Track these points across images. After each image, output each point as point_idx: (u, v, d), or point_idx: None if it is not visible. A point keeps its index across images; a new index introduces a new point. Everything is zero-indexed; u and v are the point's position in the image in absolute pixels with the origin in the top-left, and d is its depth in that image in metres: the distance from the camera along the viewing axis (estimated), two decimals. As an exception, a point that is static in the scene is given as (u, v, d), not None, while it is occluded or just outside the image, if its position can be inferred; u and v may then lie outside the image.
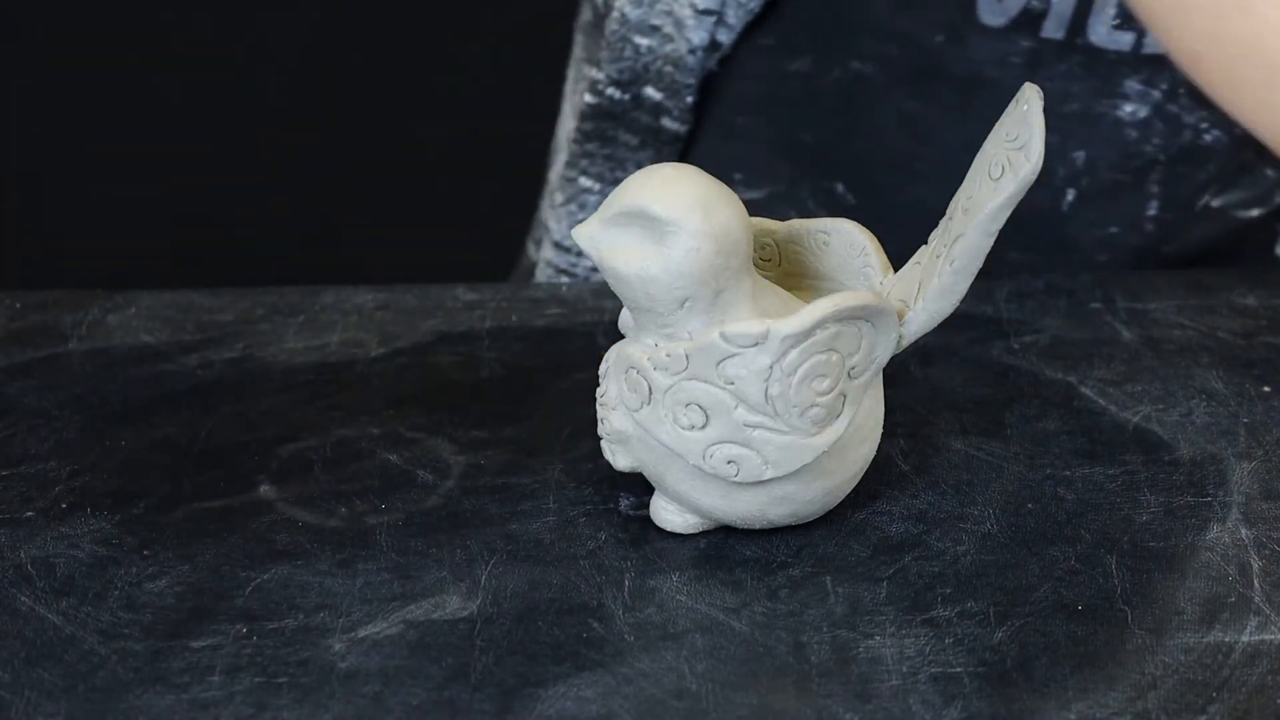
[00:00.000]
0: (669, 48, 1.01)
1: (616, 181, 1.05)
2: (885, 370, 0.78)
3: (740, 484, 0.75)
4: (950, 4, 0.93)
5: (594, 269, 1.07)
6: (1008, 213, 0.74)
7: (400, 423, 0.87)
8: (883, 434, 0.79)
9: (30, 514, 0.80)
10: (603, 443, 0.78)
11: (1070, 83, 0.95)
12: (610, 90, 1.03)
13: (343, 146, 1.94)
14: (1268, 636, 0.73)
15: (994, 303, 0.95)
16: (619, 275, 0.74)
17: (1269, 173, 1.02)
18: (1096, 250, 1.01)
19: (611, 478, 0.81)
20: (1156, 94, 0.96)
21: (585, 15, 1.06)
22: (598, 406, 0.78)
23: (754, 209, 1.03)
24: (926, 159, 0.98)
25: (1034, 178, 0.73)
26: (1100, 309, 0.95)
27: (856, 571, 0.77)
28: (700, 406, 0.74)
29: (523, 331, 0.93)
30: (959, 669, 0.71)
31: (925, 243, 0.79)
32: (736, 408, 0.74)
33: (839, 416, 0.75)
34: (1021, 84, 0.94)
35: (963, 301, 0.76)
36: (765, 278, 0.78)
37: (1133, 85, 0.95)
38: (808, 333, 0.73)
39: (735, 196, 0.75)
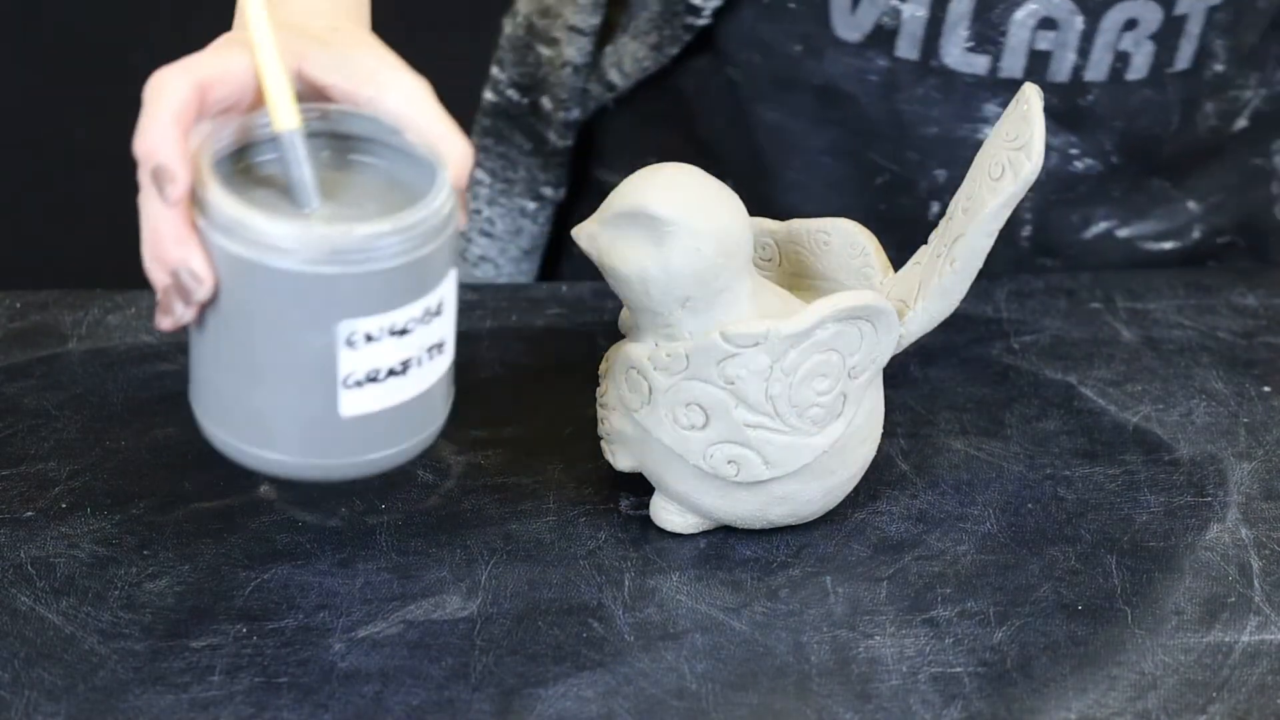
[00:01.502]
0: (562, 58, 1.03)
1: (508, 181, 1.07)
2: (885, 370, 0.78)
3: (740, 484, 0.75)
4: (807, 16, 0.95)
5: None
6: (1008, 212, 0.74)
7: (400, 423, 0.87)
8: (883, 434, 0.79)
9: (30, 514, 0.80)
10: (603, 443, 0.78)
11: (929, 106, 0.96)
12: (509, 91, 1.05)
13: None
14: (1268, 636, 0.73)
15: (994, 303, 0.95)
16: (618, 275, 0.74)
17: (1190, 205, 1.01)
18: None
19: (611, 478, 0.81)
20: None
21: (505, 22, 1.07)
22: (598, 406, 0.78)
23: None
24: (794, 167, 0.99)
25: (1034, 177, 0.73)
26: (1100, 309, 0.95)
27: (856, 571, 0.77)
28: (700, 406, 0.74)
29: (523, 331, 0.93)
30: (959, 669, 0.71)
31: (925, 242, 0.79)
32: (736, 408, 0.74)
33: (839, 416, 0.75)
34: (880, 102, 0.95)
35: (963, 301, 0.76)
36: (765, 278, 0.78)
37: (991, 109, 0.96)
38: (808, 333, 0.73)
39: (735, 197, 0.75)
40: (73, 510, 0.80)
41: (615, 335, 0.80)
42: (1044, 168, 0.97)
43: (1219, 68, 0.96)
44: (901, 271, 0.78)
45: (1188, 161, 1.00)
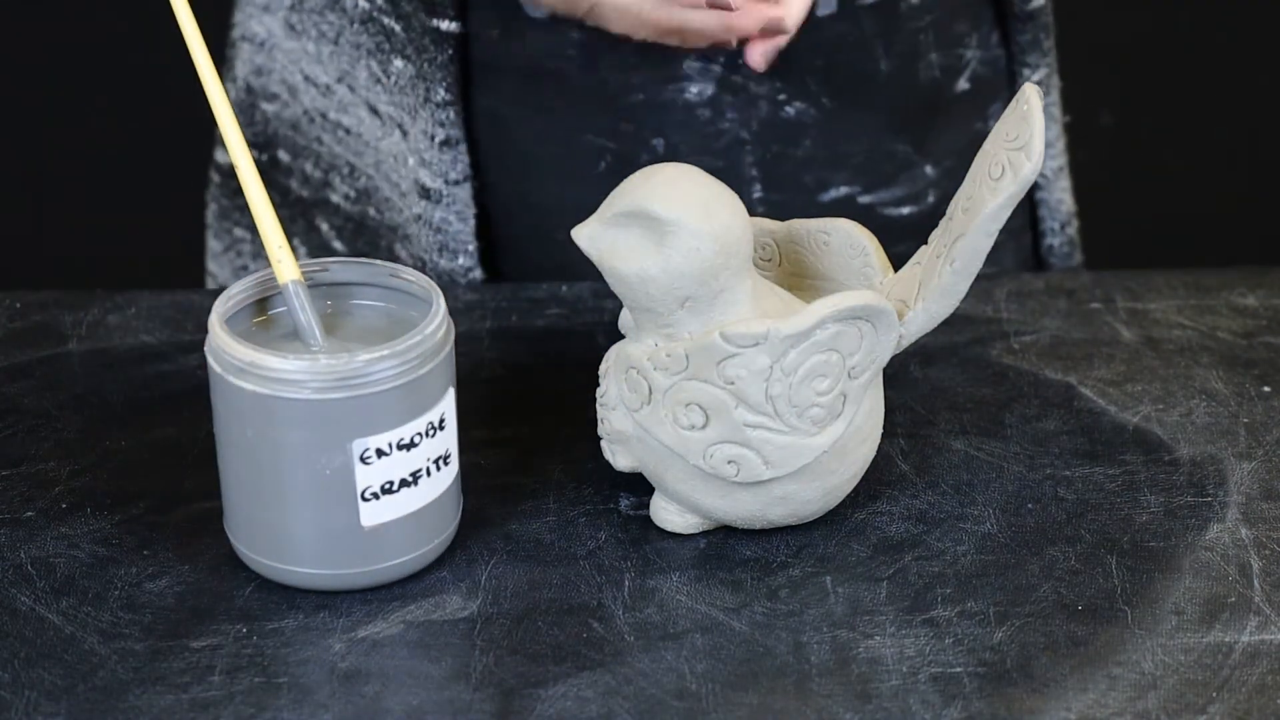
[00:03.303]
0: (287, 113, 1.04)
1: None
2: (885, 370, 0.78)
3: (740, 484, 0.75)
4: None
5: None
6: (1008, 212, 0.74)
7: (400, 423, 0.87)
8: (883, 434, 0.79)
9: (30, 514, 0.80)
10: (603, 443, 0.78)
11: (629, 73, 0.96)
12: (253, 153, 1.06)
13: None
14: (1268, 636, 0.73)
15: (994, 303, 0.95)
16: (619, 275, 0.74)
17: (928, 169, 1.02)
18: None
19: (611, 478, 0.81)
20: (717, 68, 0.96)
21: (227, 87, 1.08)
22: (598, 406, 0.78)
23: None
24: (512, 155, 0.99)
25: (1034, 177, 0.73)
26: (1100, 309, 0.95)
27: (856, 571, 0.77)
28: (700, 406, 0.74)
29: (523, 331, 0.93)
30: (959, 669, 0.71)
31: (925, 243, 0.79)
32: (736, 408, 0.74)
33: (839, 416, 0.75)
34: (584, 76, 0.96)
35: (963, 301, 0.76)
36: (765, 278, 0.78)
37: (691, 65, 0.96)
38: (808, 333, 0.73)
39: (735, 197, 0.75)
40: (73, 510, 0.80)
41: (615, 335, 0.79)
42: (756, 119, 0.97)
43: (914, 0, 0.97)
44: (901, 271, 0.78)
45: (920, 119, 1.01)
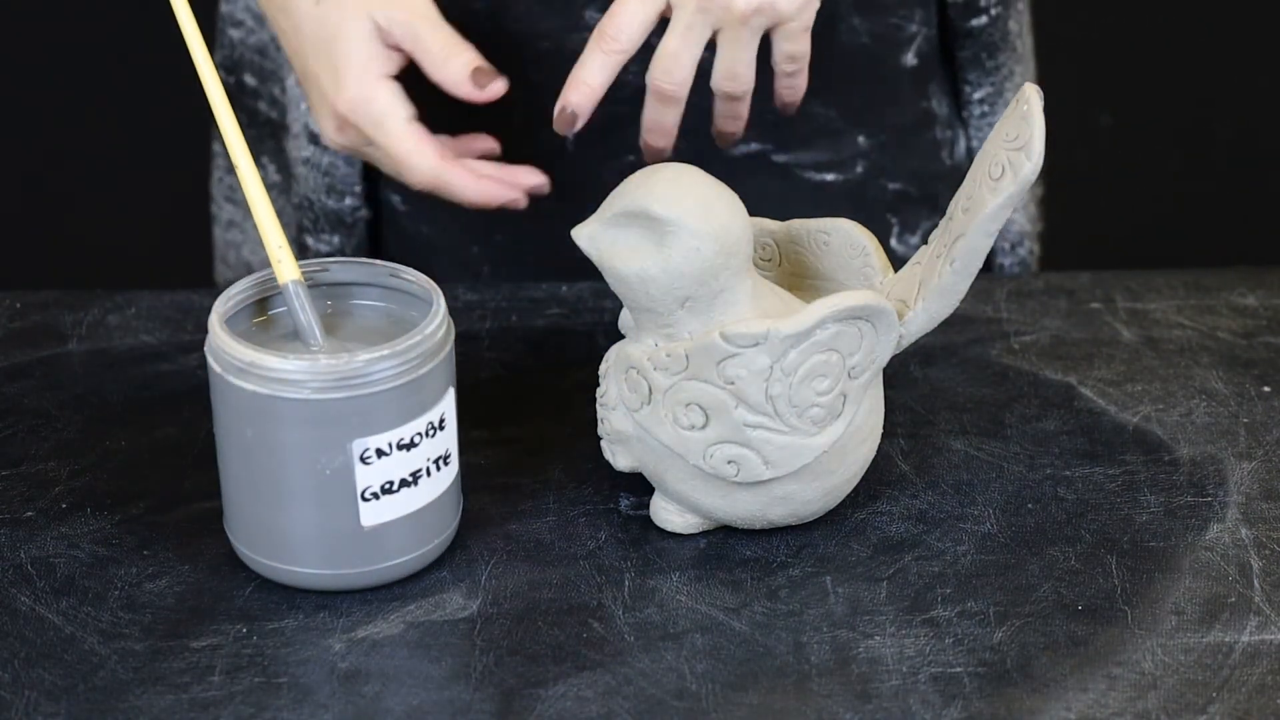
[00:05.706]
0: (253, 39, 1.04)
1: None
2: (885, 370, 0.78)
3: (740, 484, 0.75)
4: None
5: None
6: (1008, 213, 0.74)
7: (400, 423, 0.87)
8: (883, 434, 0.79)
9: (30, 514, 0.80)
10: (603, 443, 0.78)
11: (536, 21, 0.95)
12: (220, 75, 1.05)
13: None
14: (1268, 636, 0.73)
15: (994, 303, 0.95)
16: (619, 275, 0.74)
17: (861, 139, 1.00)
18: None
19: (611, 478, 0.81)
20: None
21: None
22: (598, 406, 0.78)
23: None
24: (421, 116, 0.96)
25: (1034, 177, 0.73)
26: (1100, 309, 0.95)
27: (856, 571, 0.77)
28: (700, 406, 0.74)
29: (523, 331, 0.93)
30: (959, 669, 0.71)
31: (925, 243, 0.79)
32: (736, 408, 0.74)
33: (839, 416, 0.75)
34: (488, 25, 0.95)
35: (963, 301, 0.76)
36: (765, 278, 0.78)
37: (593, 15, 0.95)
38: (808, 333, 0.73)
39: (735, 197, 0.75)
40: (73, 510, 0.80)
41: (615, 335, 0.80)
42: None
43: None
44: (901, 271, 0.78)
45: (848, 85, 0.99)
